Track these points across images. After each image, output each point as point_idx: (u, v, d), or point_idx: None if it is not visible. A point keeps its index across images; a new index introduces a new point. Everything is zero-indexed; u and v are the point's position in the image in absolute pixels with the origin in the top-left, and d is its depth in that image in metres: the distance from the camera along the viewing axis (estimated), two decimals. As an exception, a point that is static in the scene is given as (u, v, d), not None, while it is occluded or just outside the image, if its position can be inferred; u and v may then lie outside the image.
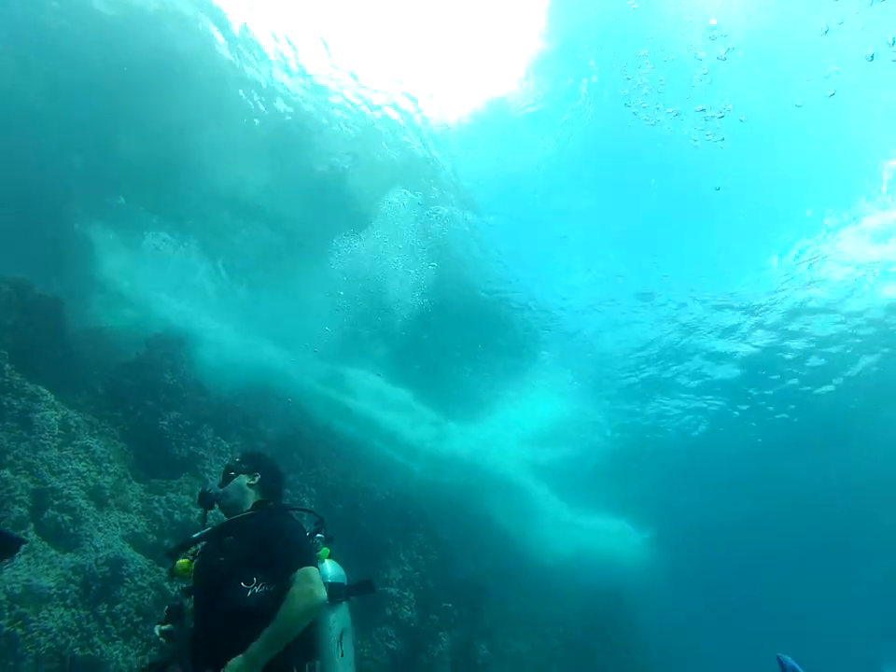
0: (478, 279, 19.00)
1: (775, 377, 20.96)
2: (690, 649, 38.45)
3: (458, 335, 20.27)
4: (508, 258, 18.27)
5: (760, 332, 18.82)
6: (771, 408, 22.56)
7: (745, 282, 17.22)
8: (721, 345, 19.78)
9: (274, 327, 18.51)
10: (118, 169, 15.82)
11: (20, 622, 7.21)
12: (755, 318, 18.22)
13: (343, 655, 3.73)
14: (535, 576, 20.27)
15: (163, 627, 3.73)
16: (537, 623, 18.60)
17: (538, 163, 15.43)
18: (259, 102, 15.33)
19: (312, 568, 3.52)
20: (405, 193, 15.95)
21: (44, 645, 7.23)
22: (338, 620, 3.81)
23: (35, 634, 7.26)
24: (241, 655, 3.22)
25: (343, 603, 3.90)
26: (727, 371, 21.01)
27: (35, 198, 15.90)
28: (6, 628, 7.05)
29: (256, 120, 15.65)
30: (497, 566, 18.40)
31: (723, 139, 13.40)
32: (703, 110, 12.94)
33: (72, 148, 15.77)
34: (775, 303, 17.56)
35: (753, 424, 23.70)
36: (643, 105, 13.20)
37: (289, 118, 15.58)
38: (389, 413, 21.22)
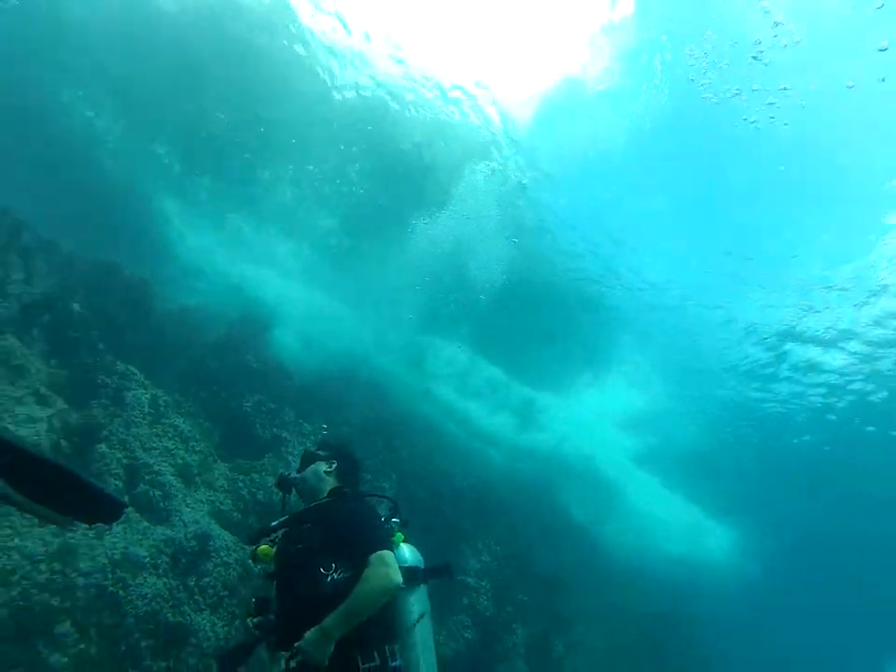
0: (555, 259, 19.46)
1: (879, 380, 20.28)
2: (771, 662, 37.59)
3: (537, 316, 20.73)
4: (584, 237, 18.61)
5: (865, 322, 18.29)
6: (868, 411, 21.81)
7: (843, 265, 16.85)
8: (821, 334, 19.31)
9: (357, 308, 19.52)
10: (202, 152, 17.15)
11: (121, 584, 8.26)
12: (856, 305, 17.77)
13: (421, 638, 4.06)
14: (612, 570, 20.55)
15: (255, 620, 4.06)
16: (612, 619, 18.90)
17: (614, 140, 15.74)
18: (338, 84, 16.28)
19: (387, 552, 3.81)
20: (482, 171, 16.57)
21: (141, 608, 8.25)
22: (416, 603, 4.11)
23: (133, 597, 8.29)
24: (316, 627, 3.57)
25: (422, 586, 4.19)
26: (832, 365, 20.48)
27: (119, 181, 17.44)
28: (110, 588, 8.10)
29: (337, 95, 16.62)
30: (575, 558, 18.74)
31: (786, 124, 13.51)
32: (756, 91, 13.10)
33: (159, 132, 17.23)
34: (878, 290, 17.09)
35: (855, 423, 22.95)
36: (707, 82, 13.40)
37: (368, 94, 16.46)
38: (470, 398, 21.89)
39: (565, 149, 16.43)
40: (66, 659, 7.20)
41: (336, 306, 19.61)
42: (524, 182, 17.28)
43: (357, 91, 16.54)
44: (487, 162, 16.80)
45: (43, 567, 7.89)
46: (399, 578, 3.74)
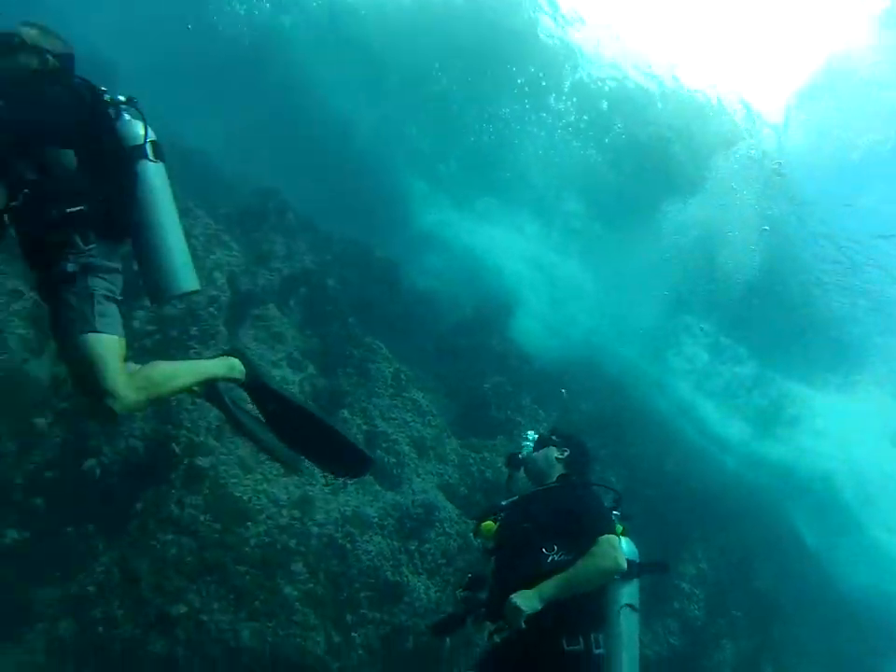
0: (810, 250, 18.23)
1: None
2: None
3: (789, 309, 19.51)
4: (844, 228, 17.18)
5: None
6: None
7: None
8: None
9: (599, 295, 19.84)
10: (452, 136, 18.66)
11: (349, 538, 9.62)
12: None
13: (626, 631, 4.26)
14: (837, 606, 18.66)
15: (462, 593, 4.53)
16: (835, 659, 17.28)
17: (882, 128, 14.33)
18: (590, 72, 16.78)
19: (615, 537, 4.05)
20: (734, 159, 16.12)
21: (364, 562, 9.51)
22: (626, 595, 4.28)
23: (359, 552, 9.61)
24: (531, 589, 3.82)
25: (635, 581, 4.35)
26: None
27: (371, 164, 19.45)
28: (339, 541, 9.50)
29: (590, 82, 17.17)
30: (799, 583, 17.42)
31: None
32: None
33: (411, 116, 19.03)
34: None
35: None
36: None
37: (620, 82, 16.75)
38: (709, 397, 21.11)
39: (825, 138, 15.47)
40: (297, 593, 8.60)
41: (578, 292, 20.07)
42: (779, 171, 16.54)
43: (609, 78, 17.00)
44: (740, 150, 16.40)
45: (285, 512, 9.46)
46: (624, 563, 3.95)
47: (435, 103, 18.67)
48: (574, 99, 17.54)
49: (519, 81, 17.40)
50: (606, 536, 4.02)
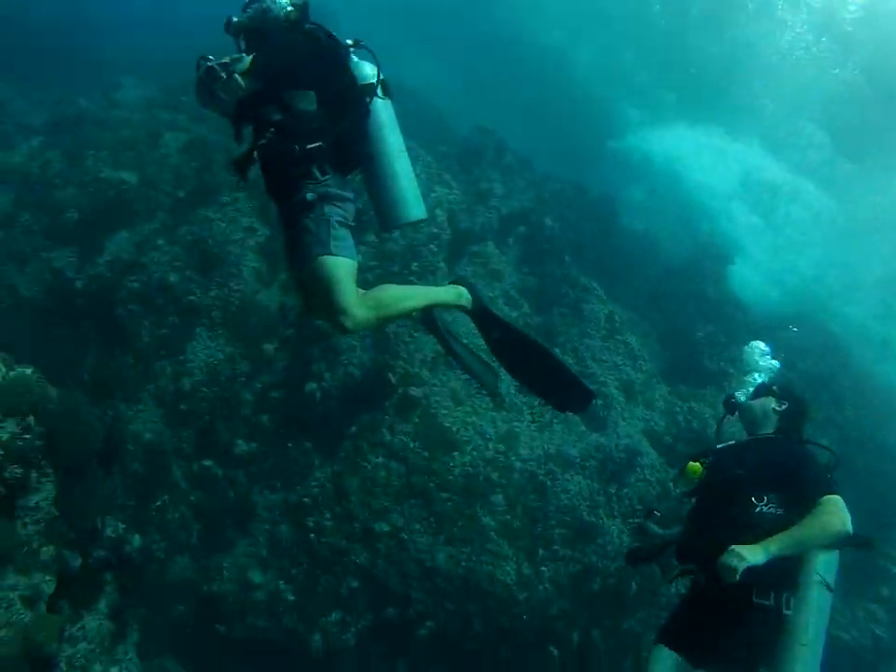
0: None
1: None
2: None
3: None
4: None
5: None
6: None
7: None
8: None
9: (828, 243, 18.00)
10: (673, 65, 17.58)
11: (550, 476, 9.67)
12: None
13: (817, 601, 3.96)
14: None
15: (636, 521, 4.79)
16: None
17: None
18: None
19: (840, 498, 3.77)
20: None
21: (562, 500, 9.52)
22: (823, 565, 3.98)
23: (558, 490, 9.63)
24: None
25: (835, 553, 4.05)
26: None
27: (587, 101, 18.77)
28: (540, 477, 9.60)
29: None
30: None
31: None
32: None
33: (629, 45, 18.14)
34: None
35: None
36: None
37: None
38: None
39: None
40: (494, 523, 8.87)
41: (804, 239, 18.27)
42: None
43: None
44: None
45: (490, 445, 9.65)
46: (850, 526, 3.71)
47: (655, 29, 17.69)
48: (812, 23, 15.89)
49: (750, 6, 16.06)
50: (833, 497, 3.76)
